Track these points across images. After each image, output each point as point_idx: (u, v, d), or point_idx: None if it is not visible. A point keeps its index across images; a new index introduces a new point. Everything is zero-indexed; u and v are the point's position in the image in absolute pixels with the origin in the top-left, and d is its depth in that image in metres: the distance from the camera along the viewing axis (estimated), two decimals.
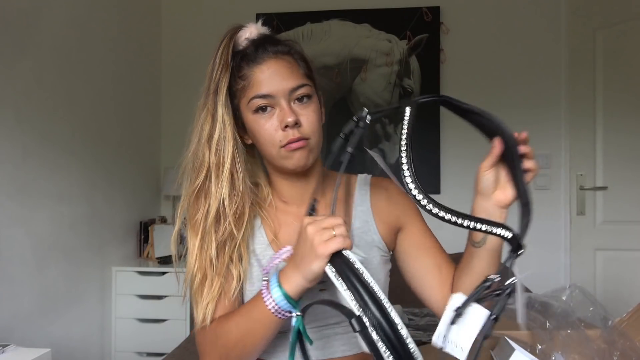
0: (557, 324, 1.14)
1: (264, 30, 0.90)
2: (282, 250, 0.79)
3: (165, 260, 2.75)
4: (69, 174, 2.26)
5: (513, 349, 1.00)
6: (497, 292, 0.71)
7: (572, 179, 2.89)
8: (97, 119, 2.48)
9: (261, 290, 0.78)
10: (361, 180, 0.98)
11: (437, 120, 3.00)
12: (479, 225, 0.72)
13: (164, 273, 2.61)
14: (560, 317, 1.17)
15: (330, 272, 0.70)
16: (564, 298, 1.28)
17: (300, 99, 0.85)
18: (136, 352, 2.62)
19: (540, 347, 1.09)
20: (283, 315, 0.76)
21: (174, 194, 3.06)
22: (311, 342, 0.76)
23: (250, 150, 0.94)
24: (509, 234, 0.72)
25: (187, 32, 3.22)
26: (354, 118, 0.76)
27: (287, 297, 0.74)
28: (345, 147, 0.75)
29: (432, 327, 1.77)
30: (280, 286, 0.75)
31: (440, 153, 3.00)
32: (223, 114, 0.85)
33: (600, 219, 2.82)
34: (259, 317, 0.78)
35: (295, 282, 0.74)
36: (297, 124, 0.83)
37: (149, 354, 2.63)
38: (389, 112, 0.79)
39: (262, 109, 0.84)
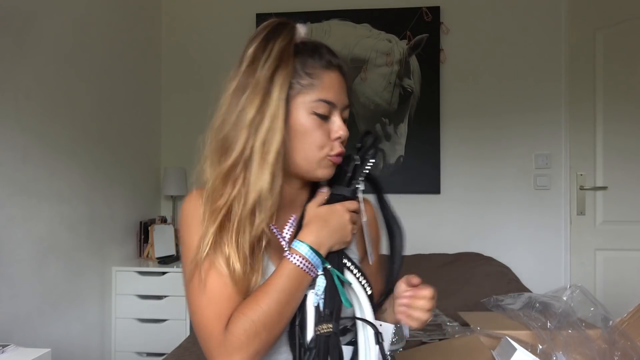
0: (558, 324, 1.14)
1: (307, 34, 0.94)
2: (292, 220, 0.89)
3: (165, 260, 2.75)
4: (69, 174, 2.26)
5: (515, 349, 1.00)
6: None
7: (572, 179, 2.89)
8: (97, 119, 2.48)
9: (285, 256, 0.81)
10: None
11: (437, 120, 3.00)
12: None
13: (164, 273, 2.61)
14: (561, 317, 1.17)
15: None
16: (564, 298, 1.28)
17: (345, 120, 0.90)
18: (136, 352, 2.62)
19: (541, 347, 1.09)
20: (312, 271, 0.82)
21: (174, 194, 3.06)
22: (350, 283, 0.85)
23: None
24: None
25: (187, 32, 3.22)
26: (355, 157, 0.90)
27: (315, 251, 0.82)
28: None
29: (432, 327, 1.77)
30: (304, 242, 0.82)
31: (440, 153, 3.00)
32: (279, 106, 0.82)
33: (600, 219, 2.82)
34: (291, 283, 0.80)
35: (323, 241, 0.83)
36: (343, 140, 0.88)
37: (149, 354, 2.63)
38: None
39: (323, 115, 0.86)
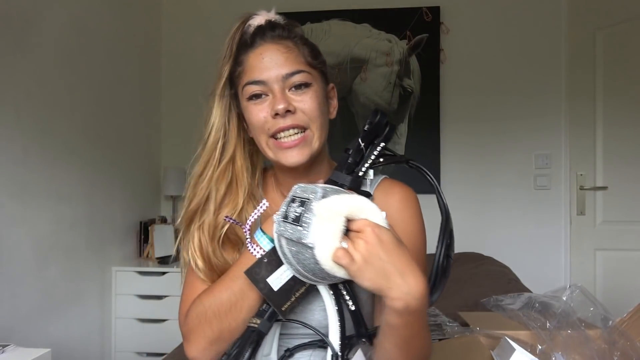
0: (558, 324, 1.14)
1: (276, 17, 0.87)
2: (260, 206, 0.78)
3: (165, 260, 2.74)
4: (69, 174, 2.26)
5: (513, 349, 1.00)
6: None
7: (572, 179, 2.89)
8: (97, 119, 2.48)
9: (246, 246, 0.78)
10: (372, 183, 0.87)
11: (437, 120, 3.00)
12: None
13: (164, 273, 2.61)
14: (560, 317, 1.17)
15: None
16: (564, 298, 1.28)
17: (297, 87, 0.81)
18: (136, 352, 2.62)
19: (540, 347, 1.09)
20: None
21: (173, 194, 3.06)
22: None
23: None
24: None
25: (187, 32, 3.22)
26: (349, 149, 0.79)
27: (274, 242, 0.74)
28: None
29: (432, 327, 1.77)
30: (265, 234, 0.76)
31: (440, 153, 3.00)
32: (220, 103, 0.86)
33: (600, 219, 2.82)
34: None
35: None
36: (289, 112, 0.79)
37: (149, 354, 2.63)
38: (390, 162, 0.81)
39: (255, 96, 0.81)
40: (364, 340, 0.75)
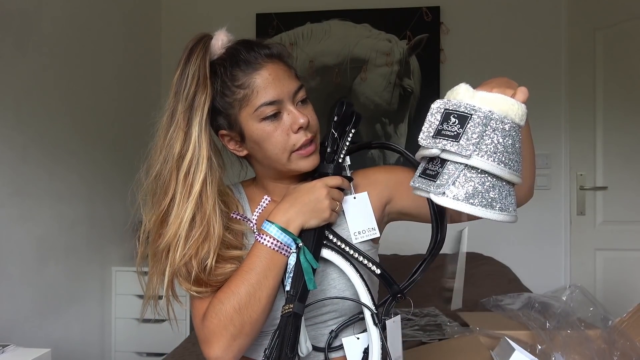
0: (557, 324, 1.14)
1: (232, 37, 0.88)
2: (263, 201, 0.90)
3: None
4: (69, 174, 2.26)
5: (513, 349, 1.00)
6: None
7: (572, 179, 2.89)
8: (97, 119, 2.48)
9: (256, 238, 0.81)
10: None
11: None
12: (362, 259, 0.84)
13: None
14: (560, 317, 1.17)
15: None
16: (564, 298, 1.28)
17: (303, 101, 0.86)
18: (136, 352, 2.62)
19: (540, 347, 1.09)
20: (284, 250, 0.80)
21: None
22: (317, 266, 0.80)
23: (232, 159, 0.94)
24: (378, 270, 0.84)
25: (187, 32, 3.20)
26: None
27: (284, 230, 0.80)
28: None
29: (432, 327, 1.77)
30: (273, 223, 0.80)
31: None
32: (199, 132, 0.81)
33: (600, 219, 2.82)
34: (262, 264, 0.79)
35: (292, 218, 0.80)
36: (308, 125, 0.84)
37: (149, 354, 2.63)
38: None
39: (273, 116, 0.83)
40: (400, 296, 0.83)
